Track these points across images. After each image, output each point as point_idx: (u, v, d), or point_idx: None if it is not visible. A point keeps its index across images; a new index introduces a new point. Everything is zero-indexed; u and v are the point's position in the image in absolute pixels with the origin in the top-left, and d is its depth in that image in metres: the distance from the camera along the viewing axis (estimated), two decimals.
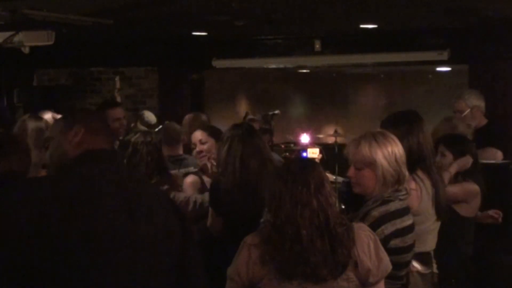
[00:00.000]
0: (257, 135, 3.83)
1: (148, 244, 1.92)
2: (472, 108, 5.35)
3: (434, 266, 3.52)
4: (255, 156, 3.66)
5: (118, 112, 5.20)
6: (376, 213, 2.87)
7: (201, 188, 4.28)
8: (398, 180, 2.95)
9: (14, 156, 2.12)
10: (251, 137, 3.73)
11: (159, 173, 3.86)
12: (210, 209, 3.77)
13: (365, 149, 2.95)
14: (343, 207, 6.82)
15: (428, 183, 3.40)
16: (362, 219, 2.86)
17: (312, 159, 6.03)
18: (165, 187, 3.85)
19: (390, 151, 2.93)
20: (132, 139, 3.83)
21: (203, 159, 4.39)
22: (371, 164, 2.93)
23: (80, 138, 2.02)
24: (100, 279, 1.81)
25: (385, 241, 2.82)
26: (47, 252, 1.74)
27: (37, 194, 1.82)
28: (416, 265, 3.23)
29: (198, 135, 4.49)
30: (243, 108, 8.88)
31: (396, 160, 2.93)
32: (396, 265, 2.88)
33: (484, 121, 5.42)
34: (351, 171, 3.01)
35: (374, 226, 2.82)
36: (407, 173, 3.01)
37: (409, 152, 3.20)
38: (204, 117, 5.77)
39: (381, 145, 2.93)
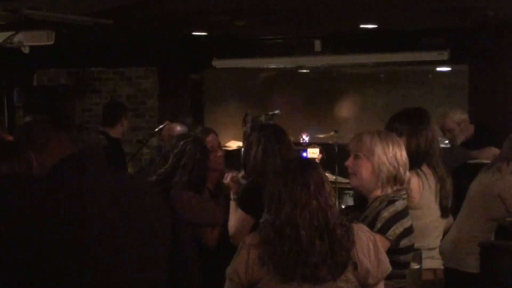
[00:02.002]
0: (286, 133, 3.81)
1: (141, 239, 1.93)
2: (460, 123, 5.46)
3: (440, 262, 3.53)
4: (291, 152, 3.69)
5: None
6: (386, 213, 2.88)
7: None
8: (395, 180, 2.95)
9: (16, 160, 2.11)
10: (283, 135, 3.72)
11: (195, 189, 3.77)
12: (240, 215, 3.55)
13: (366, 139, 3.01)
14: (343, 207, 6.82)
15: (431, 178, 3.42)
16: (373, 221, 2.87)
17: (312, 159, 6.03)
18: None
19: (391, 148, 2.96)
20: (181, 142, 3.79)
21: (220, 166, 4.14)
22: (369, 154, 2.97)
23: (37, 162, 2.01)
24: (96, 275, 1.82)
25: (397, 241, 2.86)
26: (40, 252, 1.75)
27: (28, 197, 1.82)
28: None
29: (215, 138, 4.27)
30: (243, 108, 8.87)
31: (395, 158, 2.95)
32: (404, 264, 2.94)
33: (471, 130, 5.51)
34: (350, 160, 3.06)
35: (387, 227, 2.86)
36: (407, 176, 3.01)
37: (417, 148, 3.29)
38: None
39: (383, 140, 2.98)
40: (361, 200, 3.67)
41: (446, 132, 5.56)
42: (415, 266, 3.26)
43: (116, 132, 5.67)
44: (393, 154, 2.96)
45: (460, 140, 5.52)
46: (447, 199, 3.51)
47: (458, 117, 5.55)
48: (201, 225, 3.73)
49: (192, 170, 3.73)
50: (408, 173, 3.02)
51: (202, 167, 3.79)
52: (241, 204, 3.58)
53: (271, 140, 3.62)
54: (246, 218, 3.51)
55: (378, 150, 2.96)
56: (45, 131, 2.06)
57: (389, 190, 2.96)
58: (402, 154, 2.98)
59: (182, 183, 3.71)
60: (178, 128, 5.19)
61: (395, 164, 2.95)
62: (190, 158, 3.73)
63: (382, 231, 2.83)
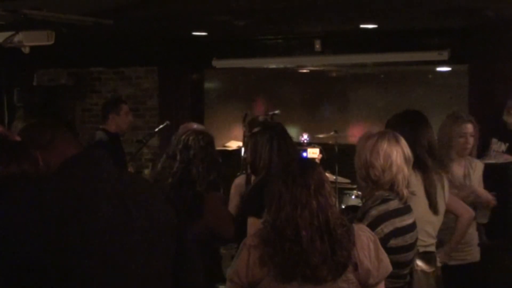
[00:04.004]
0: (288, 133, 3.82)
1: (146, 239, 1.93)
2: None
3: (437, 260, 3.53)
4: (296, 150, 3.73)
5: (127, 108, 5.86)
6: (375, 212, 2.88)
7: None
8: (370, 180, 2.95)
9: (25, 160, 2.12)
10: (287, 134, 3.73)
11: (216, 170, 3.71)
12: (248, 220, 3.45)
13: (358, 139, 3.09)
14: (343, 207, 6.82)
15: (419, 173, 3.42)
16: (362, 218, 2.87)
17: (312, 160, 6.03)
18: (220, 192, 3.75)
19: (365, 150, 2.96)
20: (183, 137, 3.75)
21: None
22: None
23: (43, 160, 2.00)
24: (100, 275, 1.82)
25: (384, 240, 2.83)
26: (46, 251, 1.75)
27: (36, 196, 1.82)
28: (420, 263, 3.25)
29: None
30: (243, 108, 8.88)
31: (366, 160, 2.94)
32: (398, 264, 2.90)
33: None
34: None
35: (373, 225, 2.84)
36: (386, 177, 2.95)
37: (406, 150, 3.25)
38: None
39: (362, 142, 3.00)
40: None
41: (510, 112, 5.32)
42: (429, 269, 3.25)
43: (110, 128, 5.79)
44: (364, 156, 2.95)
45: None
46: (437, 197, 3.50)
47: None
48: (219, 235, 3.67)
49: (204, 158, 3.67)
50: (389, 173, 2.94)
51: (211, 152, 3.73)
52: (246, 209, 3.53)
53: (285, 138, 3.62)
54: (254, 221, 3.40)
55: (357, 151, 3.01)
56: (50, 129, 2.06)
57: (377, 192, 2.96)
58: (382, 154, 2.93)
59: (205, 178, 3.63)
60: (195, 127, 5.19)
61: (365, 166, 2.95)
62: (196, 147, 3.68)
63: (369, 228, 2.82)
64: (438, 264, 3.56)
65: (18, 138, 2.11)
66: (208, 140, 3.76)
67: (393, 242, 2.88)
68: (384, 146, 2.94)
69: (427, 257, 3.28)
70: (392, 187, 2.95)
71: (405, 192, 2.99)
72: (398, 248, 2.91)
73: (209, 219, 3.52)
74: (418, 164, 3.39)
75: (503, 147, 5.22)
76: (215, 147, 3.84)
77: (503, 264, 4.50)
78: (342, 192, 7.24)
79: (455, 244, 3.84)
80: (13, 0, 4.99)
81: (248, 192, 3.65)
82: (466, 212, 3.84)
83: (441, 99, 7.94)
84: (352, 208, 6.53)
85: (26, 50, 5.78)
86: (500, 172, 4.77)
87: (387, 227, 2.86)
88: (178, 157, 3.69)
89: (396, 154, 2.95)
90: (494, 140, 5.26)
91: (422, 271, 3.23)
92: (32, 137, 2.06)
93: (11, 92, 8.72)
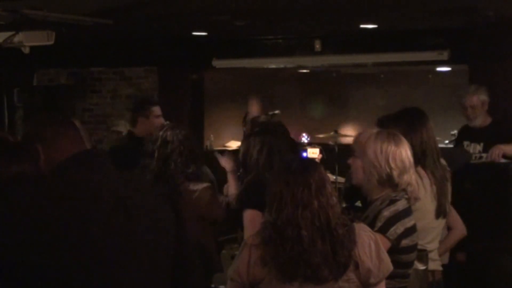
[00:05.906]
0: (287, 131, 3.80)
1: (145, 240, 1.93)
2: (484, 104, 5.26)
3: (438, 263, 3.52)
4: (294, 149, 3.74)
5: (158, 110, 5.54)
6: (387, 213, 2.88)
7: None
8: (388, 183, 2.94)
9: (25, 160, 2.12)
10: (285, 136, 3.71)
11: (195, 163, 3.71)
12: (247, 213, 3.37)
13: (362, 139, 3.04)
14: (343, 206, 6.82)
15: (427, 181, 3.39)
16: (374, 220, 2.87)
17: (313, 159, 6.03)
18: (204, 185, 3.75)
19: (384, 150, 2.92)
20: (160, 133, 3.73)
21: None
22: (362, 154, 2.98)
23: (44, 155, 2.00)
24: (100, 276, 1.82)
25: (398, 240, 2.85)
26: (44, 253, 1.75)
27: (34, 198, 1.82)
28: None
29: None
30: (243, 108, 8.88)
31: (387, 160, 2.91)
32: (406, 264, 2.93)
33: (489, 120, 5.33)
34: (351, 158, 3.09)
35: (387, 226, 2.85)
36: (404, 180, 2.95)
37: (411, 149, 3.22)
38: None
39: (377, 141, 2.95)
40: (352, 197, 3.64)
41: (468, 108, 5.23)
42: (421, 267, 3.25)
43: (139, 131, 5.43)
44: (384, 155, 2.91)
45: (478, 122, 5.27)
46: (446, 201, 3.47)
47: (482, 96, 5.24)
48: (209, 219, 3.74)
49: (182, 151, 3.65)
50: (407, 176, 2.95)
51: (189, 145, 3.71)
52: (244, 203, 3.47)
53: (278, 140, 3.58)
54: (254, 213, 3.32)
55: (370, 151, 2.94)
56: (55, 126, 2.06)
57: (389, 191, 2.95)
58: (398, 157, 2.92)
59: (183, 171, 3.63)
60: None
61: (386, 167, 2.91)
62: (175, 141, 3.67)
63: (382, 230, 2.83)
64: (439, 268, 3.55)
65: (11, 139, 2.10)
66: (185, 133, 3.74)
67: (404, 242, 2.89)
68: (402, 150, 2.94)
69: (419, 255, 3.28)
70: (406, 188, 2.96)
71: (415, 193, 3.01)
72: (408, 248, 2.92)
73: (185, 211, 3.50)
74: (427, 166, 3.36)
75: (479, 147, 5.19)
76: (193, 139, 3.83)
77: (503, 265, 4.50)
78: (341, 192, 7.24)
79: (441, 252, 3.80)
80: (13, 0, 4.99)
81: (241, 190, 3.65)
82: (460, 226, 3.77)
83: (441, 99, 7.95)
84: (352, 208, 6.52)
85: (26, 50, 5.77)
86: (500, 172, 4.76)
87: (398, 228, 2.87)
88: (156, 154, 3.68)
89: (410, 155, 2.97)
90: (465, 143, 5.21)
91: (415, 269, 3.23)
92: (36, 132, 2.06)
93: (11, 92, 8.72)
